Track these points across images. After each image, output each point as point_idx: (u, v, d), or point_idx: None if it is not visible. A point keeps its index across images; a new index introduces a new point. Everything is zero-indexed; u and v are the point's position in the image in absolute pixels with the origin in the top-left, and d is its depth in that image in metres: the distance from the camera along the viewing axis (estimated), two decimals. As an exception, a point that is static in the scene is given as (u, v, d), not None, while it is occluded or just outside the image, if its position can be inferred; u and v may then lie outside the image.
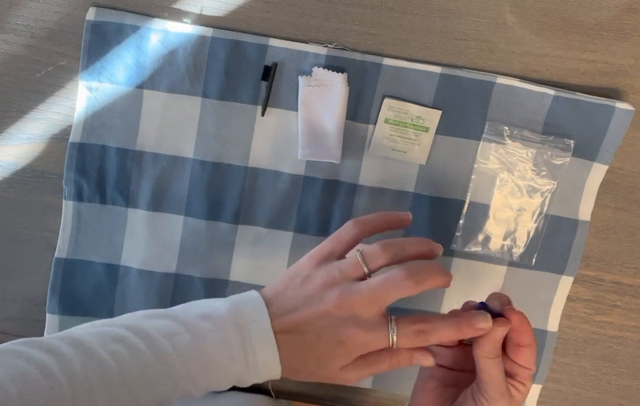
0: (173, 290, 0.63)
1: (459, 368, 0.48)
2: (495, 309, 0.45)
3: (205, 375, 0.43)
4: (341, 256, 0.48)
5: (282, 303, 0.45)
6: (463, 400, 0.45)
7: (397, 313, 0.65)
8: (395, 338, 0.44)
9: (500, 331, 0.43)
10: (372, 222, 0.50)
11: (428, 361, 0.46)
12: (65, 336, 0.41)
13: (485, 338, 0.44)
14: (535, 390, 0.66)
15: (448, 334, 0.44)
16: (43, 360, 0.38)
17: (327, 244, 0.49)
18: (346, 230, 0.49)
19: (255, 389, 0.65)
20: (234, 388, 0.63)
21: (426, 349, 0.46)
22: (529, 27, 0.60)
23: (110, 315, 0.64)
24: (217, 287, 0.63)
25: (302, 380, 0.46)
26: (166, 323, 0.43)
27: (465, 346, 0.48)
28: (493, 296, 0.46)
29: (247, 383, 0.45)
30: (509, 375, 0.45)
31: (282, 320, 0.45)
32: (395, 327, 0.44)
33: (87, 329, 0.42)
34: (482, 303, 0.45)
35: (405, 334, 0.44)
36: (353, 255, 0.47)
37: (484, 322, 0.44)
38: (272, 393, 0.66)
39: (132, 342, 0.41)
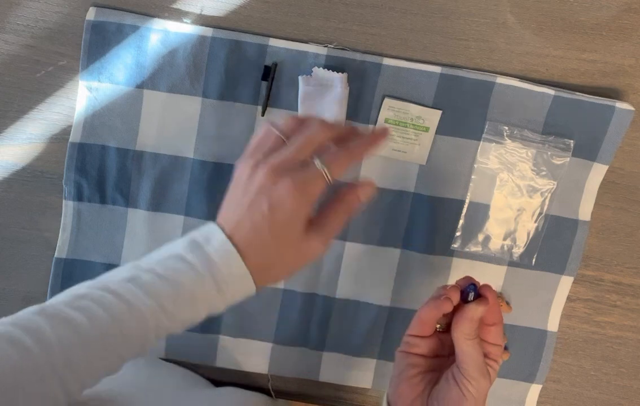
0: (173, 290, 0.63)
1: (435, 355, 0.49)
2: (477, 291, 0.47)
3: (175, 303, 0.43)
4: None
5: (228, 212, 0.47)
6: (444, 383, 0.46)
7: (398, 313, 0.65)
8: (324, 167, 0.45)
9: (480, 310, 0.45)
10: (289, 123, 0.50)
11: (371, 186, 0.47)
12: (31, 309, 0.42)
13: (465, 318, 0.45)
14: (535, 390, 0.66)
15: (365, 141, 0.46)
16: (10, 331, 0.39)
17: (249, 144, 0.49)
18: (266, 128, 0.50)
19: (255, 388, 0.65)
20: (233, 386, 0.64)
21: (367, 180, 0.47)
22: (529, 27, 0.60)
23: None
24: (217, 287, 0.63)
25: (279, 276, 0.47)
26: (126, 271, 0.44)
27: (440, 334, 0.49)
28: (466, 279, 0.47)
29: (222, 304, 0.46)
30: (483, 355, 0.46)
31: (231, 224, 0.46)
32: (317, 158, 0.45)
33: (54, 298, 0.43)
34: (472, 283, 0.47)
35: (331, 160, 0.45)
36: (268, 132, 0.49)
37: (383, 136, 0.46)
38: (272, 392, 0.66)
39: (96, 294, 0.42)
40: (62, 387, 0.39)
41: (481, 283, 0.47)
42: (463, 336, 0.45)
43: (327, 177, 0.45)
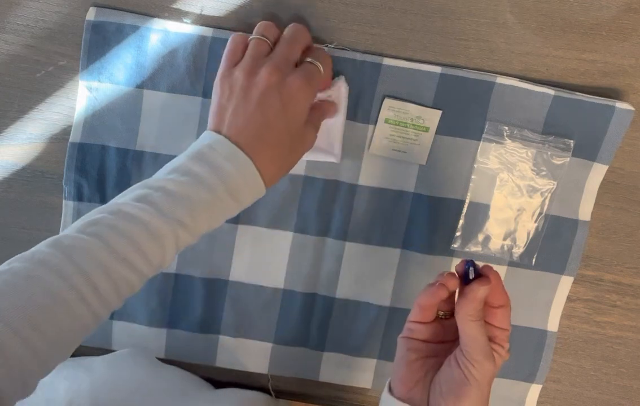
0: (173, 290, 0.63)
1: (438, 340, 0.48)
2: (478, 270, 0.46)
3: (193, 217, 0.44)
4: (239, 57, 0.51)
5: (225, 120, 0.47)
6: (447, 367, 0.45)
7: (398, 313, 0.65)
8: (316, 62, 0.51)
9: (482, 290, 0.44)
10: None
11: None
12: (48, 241, 0.41)
13: (468, 299, 0.44)
14: (535, 390, 0.66)
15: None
16: (27, 267, 0.39)
17: (224, 57, 0.51)
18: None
19: (255, 388, 0.65)
20: (233, 386, 0.64)
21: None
22: (529, 27, 0.60)
23: (111, 316, 0.64)
24: (217, 287, 0.63)
25: (283, 171, 0.49)
26: (136, 192, 0.44)
27: (443, 320, 0.48)
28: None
29: (236, 210, 0.46)
30: (489, 338, 0.45)
31: (233, 129, 0.46)
32: (311, 59, 0.51)
33: (68, 229, 0.43)
34: (470, 261, 0.46)
35: (318, 56, 0.52)
36: (250, 40, 0.51)
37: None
38: (272, 392, 0.66)
39: (109, 220, 0.42)
40: (88, 310, 0.40)
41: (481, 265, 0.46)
42: (466, 318, 0.44)
43: (320, 70, 0.50)
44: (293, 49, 0.51)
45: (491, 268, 0.46)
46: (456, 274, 0.46)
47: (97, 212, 0.43)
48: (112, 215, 0.42)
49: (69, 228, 0.43)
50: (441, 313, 0.48)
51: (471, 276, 0.45)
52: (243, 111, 0.47)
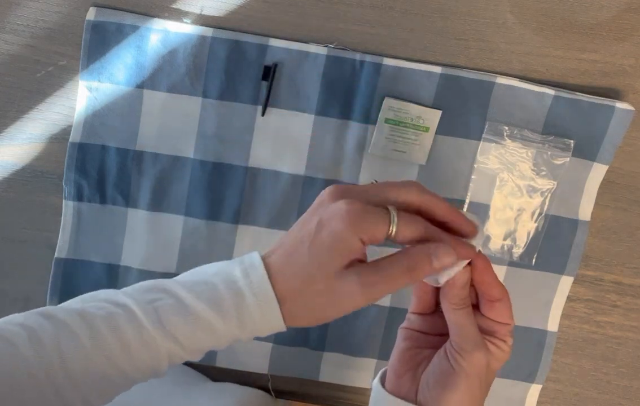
0: (173, 290, 0.63)
1: (437, 333, 0.46)
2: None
3: (192, 339, 0.42)
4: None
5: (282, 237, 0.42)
6: (436, 358, 0.43)
7: (398, 313, 0.65)
8: (395, 216, 0.39)
9: (461, 276, 0.41)
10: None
11: (452, 254, 0.39)
12: (42, 311, 0.40)
13: (448, 285, 0.42)
14: (535, 390, 0.66)
15: (451, 239, 0.41)
16: (12, 330, 0.38)
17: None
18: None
19: (256, 387, 0.65)
20: (234, 381, 0.64)
21: (456, 240, 0.40)
22: (529, 27, 0.60)
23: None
24: (217, 287, 0.63)
25: (305, 314, 0.41)
26: (152, 292, 0.42)
27: (440, 311, 0.45)
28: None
29: (243, 337, 0.43)
30: (487, 333, 0.43)
31: (274, 245, 0.42)
32: (394, 208, 0.40)
33: (67, 303, 0.42)
34: None
35: (406, 217, 0.40)
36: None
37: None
38: (272, 392, 0.66)
39: (109, 310, 0.40)
40: (57, 396, 0.38)
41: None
42: (450, 306, 0.42)
43: (392, 227, 0.39)
44: (380, 190, 0.40)
45: (479, 252, 0.42)
46: None
47: (103, 300, 0.41)
48: (114, 307, 0.41)
49: (71, 304, 0.41)
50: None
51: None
52: (293, 228, 0.42)
